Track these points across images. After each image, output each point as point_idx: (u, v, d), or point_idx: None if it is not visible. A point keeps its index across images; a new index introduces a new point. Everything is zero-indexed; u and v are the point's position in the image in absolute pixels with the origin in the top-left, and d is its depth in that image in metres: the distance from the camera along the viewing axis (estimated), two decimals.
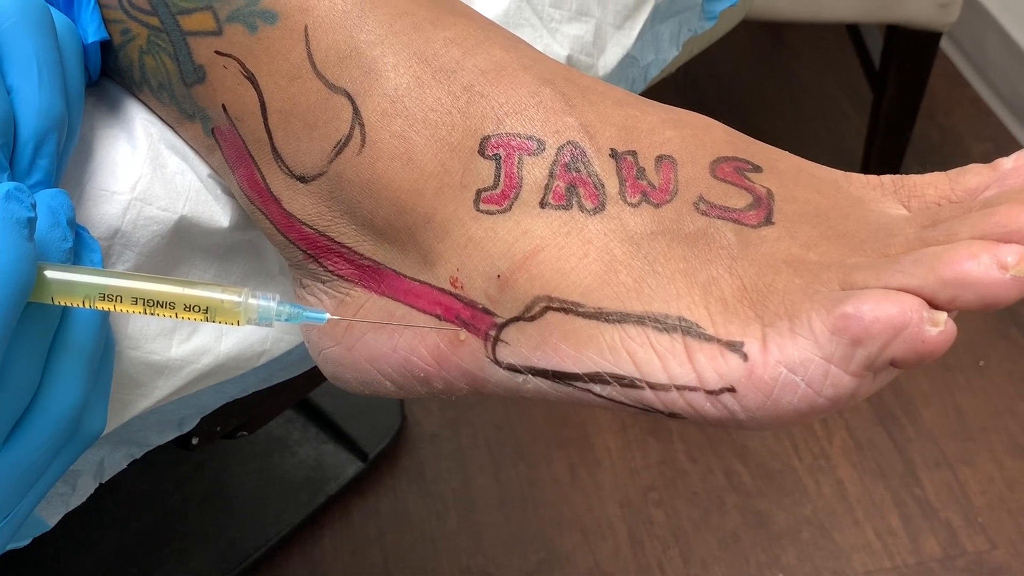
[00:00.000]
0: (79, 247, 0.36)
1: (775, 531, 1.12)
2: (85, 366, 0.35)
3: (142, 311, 0.34)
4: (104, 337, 0.36)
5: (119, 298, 0.33)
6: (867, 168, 1.37)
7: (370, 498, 1.15)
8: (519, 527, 1.13)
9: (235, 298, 0.34)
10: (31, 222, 0.31)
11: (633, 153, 0.36)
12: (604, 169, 0.35)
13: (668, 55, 0.56)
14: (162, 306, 0.34)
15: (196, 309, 0.34)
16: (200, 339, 0.41)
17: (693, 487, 1.16)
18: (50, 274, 0.33)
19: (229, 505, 1.11)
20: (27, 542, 0.44)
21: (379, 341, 0.38)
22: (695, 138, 0.36)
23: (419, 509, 1.15)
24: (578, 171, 0.35)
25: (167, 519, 1.09)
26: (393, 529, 1.13)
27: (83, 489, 0.45)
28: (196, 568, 1.06)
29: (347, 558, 1.11)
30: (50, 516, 0.44)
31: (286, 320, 0.35)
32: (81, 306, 0.33)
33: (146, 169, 0.39)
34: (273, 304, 0.35)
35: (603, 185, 0.35)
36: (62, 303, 0.33)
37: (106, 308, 0.33)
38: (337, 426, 1.15)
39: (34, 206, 0.32)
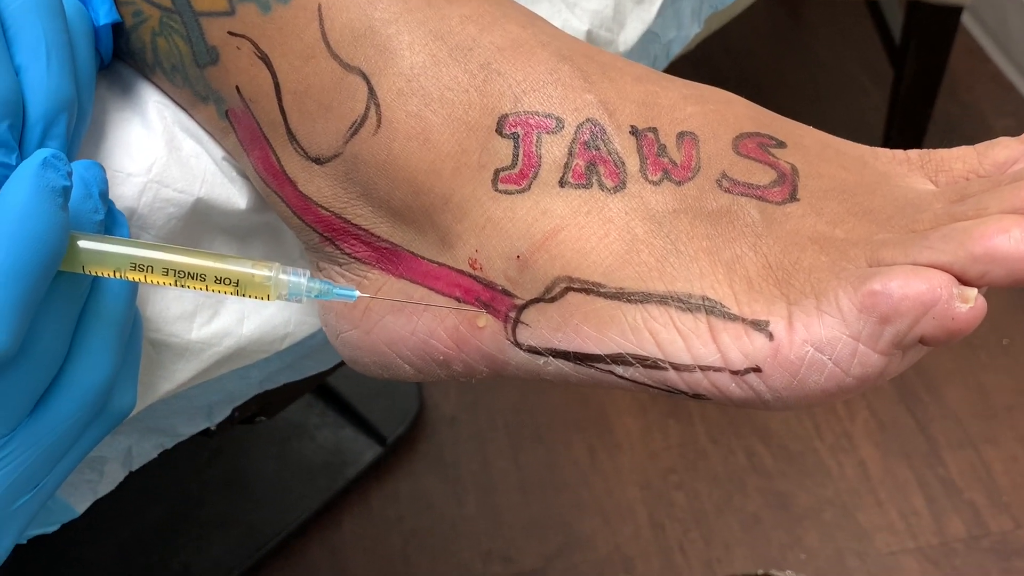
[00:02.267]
0: (108, 221, 0.35)
1: (797, 512, 1.12)
2: (115, 338, 0.35)
3: (172, 283, 0.33)
4: (134, 311, 0.36)
5: (150, 268, 0.33)
6: (887, 145, 1.35)
7: (389, 483, 1.15)
8: (539, 510, 1.13)
9: (266, 272, 0.34)
10: (66, 191, 0.31)
11: (654, 130, 0.35)
12: (624, 147, 0.35)
13: (690, 31, 0.55)
14: (193, 278, 0.33)
15: (227, 282, 0.34)
16: (221, 321, 0.41)
17: (714, 469, 1.16)
18: (82, 243, 0.33)
19: (248, 491, 1.11)
20: (56, 527, 0.44)
21: (398, 324, 0.37)
22: (717, 114, 0.36)
23: (438, 493, 1.15)
24: (598, 149, 0.35)
25: (185, 506, 1.09)
26: (412, 513, 1.13)
27: (111, 476, 0.45)
28: (215, 555, 1.06)
29: (366, 543, 1.11)
30: (78, 502, 0.44)
31: (316, 296, 0.35)
32: (112, 276, 0.33)
33: (162, 151, 0.39)
34: (303, 280, 0.35)
35: (623, 163, 0.34)
36: (93, 272, 0.33)
37: (137, 279, 0.33)
38: (355, 411, 1.16)
39: (70, 175, 0.32)
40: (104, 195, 0.35)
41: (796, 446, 1.17)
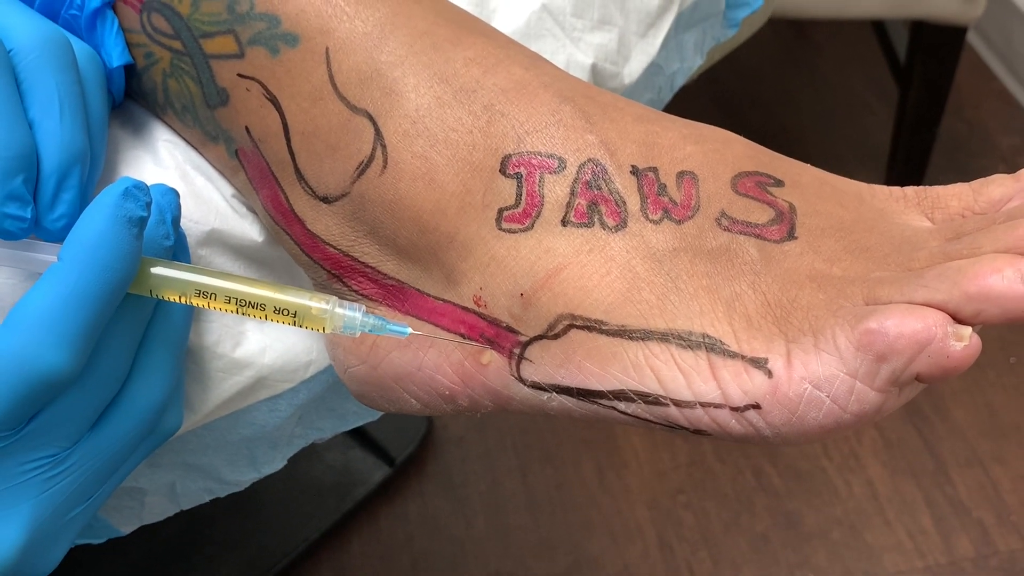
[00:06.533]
0: (176, 244, 0.37)
1: (805, 532, 1.12)
2: (173, 359, 0.37)
3: (234, 310, 0.35)
4: (189, 334, 0.38)
5: (213, 296, 0.35)
6: (894, 163, 1.36)
7: (397, 503, 1.16)
8: (547, 530, 1.13)
9: (323, 305, 0.36)
10: (142, 221, 0.33)
11: (654, 169, 0.36)
12: (625, 186, 0.35)
13: (693, 63, 0.56)
14: (253, 307, 0.35)
15: (285, 313, 0.35)
16: (243, 351, 0.41)
17: (722, 488, 1.16)
18: (153, 269, 0.34)
19: (257, 511, 1.11)
20: (102, 540, 0.45)
21: (404, 359, 0.38)
22: (716, 153, 0.36)
23: (447, 513, 1.15)
24: (599, 188, 0.35)
25: (196, 526, 1.09)
26: (421, 534, 1.13)
27: (155, 508, 0.45)
28: (225, 574, 1.07)
29: (375, 563, 1.12)
30: (122, 525, 0.45)
31: (370, 330, 0.37)
32: (177, 301, 0.35)
33: (176, 186, 0.40)
34: (358, 315, 0.36)
35: (624, 202, 0.35)
36: (160, 296, 0.35)
37: (200, 305, 0.35)
38: (364, 431, 1.16)
39: (148, 205, 0.33)
40: (176, 221, 0.37)
41: (804, 465, 1.17)
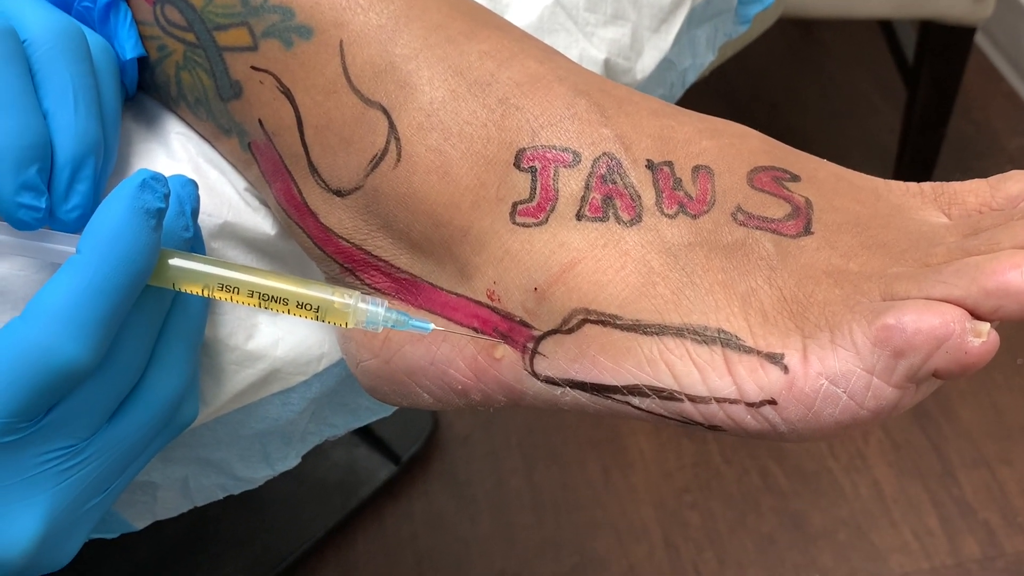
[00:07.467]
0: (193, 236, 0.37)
1: (811, 533, 1.12)
2: (191, 351, 0.37)
3: (257, 304, 0.35)
4: (205, 325, 0.38)
5: (237, 290, 0.35)
6: (901, 163, 1.35)
7: (403, 501, 1.16)
8: (552, 530, 1.13)
9: (346, 300, 0.36)
10: (160, 213, 0.33)
11: (669, 164, 0.35)
12: (640, 180, 0.35)
13: (705, 59, 0.56)
14: (276, 301, 0.35)
15: (308, 307, 0.36)
16: (255, 343, 0.41)
17: (728, 489, 1.16)
18: (173, 261, 0.35)
19: (263, 509, 1.11)
20: (115, 535, 0.45)
21: (417, 354, 0.38)
22: (732, 148, 0.36)
23: (452, 512, 1.15)
24: (614, 183, 0.35)
25: (201, 524, 1.09)
26: (426, 532, 1.13)
27: (169, 503, 0.45)
28: (230, 572, 1.07)
29: (380, 561, 1.12)
30: (136, 520, 0.45)
31: (392, 326, 0.37)
32: (200, 294, 0.35)
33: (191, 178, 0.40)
34: (381, 310, 0.36)
35: (639, 196, 0.35)
36: (182, 289, 0.35)
37: (223, 298, 0.35)
38: (369, 429, 1.16)
39: (166, 197, 0.33)
40: (195, 213, 0.37)
41: (810, 466, 1.17)
